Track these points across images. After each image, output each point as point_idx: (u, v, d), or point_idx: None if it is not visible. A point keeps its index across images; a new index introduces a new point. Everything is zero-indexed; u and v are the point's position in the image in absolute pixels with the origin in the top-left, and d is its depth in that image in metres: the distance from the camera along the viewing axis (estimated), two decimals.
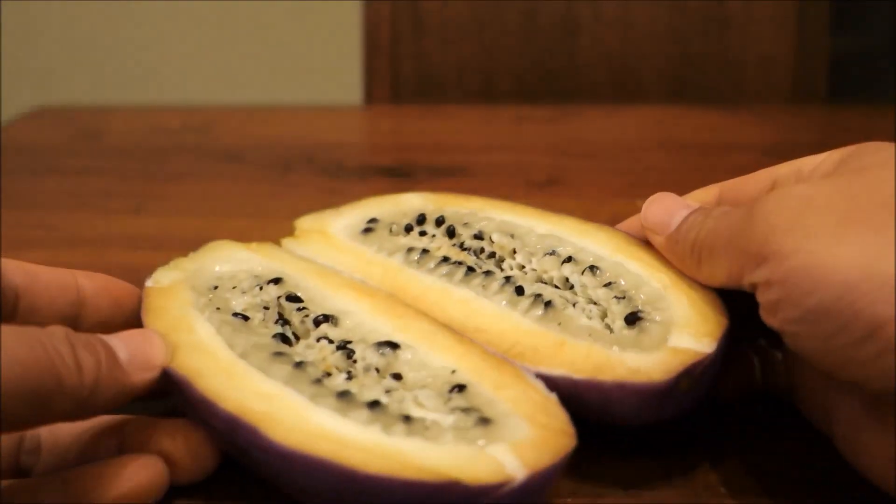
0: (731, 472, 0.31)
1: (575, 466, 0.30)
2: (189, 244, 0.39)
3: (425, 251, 0.38)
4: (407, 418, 0.27)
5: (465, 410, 0.28)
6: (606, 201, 0.62)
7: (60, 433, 0.30)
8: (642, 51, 1.01)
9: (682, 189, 0.36)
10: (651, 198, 0.35)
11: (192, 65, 1.57)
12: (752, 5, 0.98)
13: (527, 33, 1.01)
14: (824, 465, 0.31)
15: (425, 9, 1.01)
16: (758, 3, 0.98)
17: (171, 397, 0.32)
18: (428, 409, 0.28)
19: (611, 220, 0.39)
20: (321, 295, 0.35)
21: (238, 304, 0.34)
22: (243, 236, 0.39)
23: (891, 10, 1.33)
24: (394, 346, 0.31)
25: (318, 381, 0.29)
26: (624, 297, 0.34)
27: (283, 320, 0.33)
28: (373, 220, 0.41)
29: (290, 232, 0.41)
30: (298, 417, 0.27)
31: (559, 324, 0.33)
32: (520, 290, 0.35)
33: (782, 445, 0.33)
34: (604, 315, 0.33)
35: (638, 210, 0.36)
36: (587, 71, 1.01)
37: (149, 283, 0.35)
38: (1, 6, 1.55)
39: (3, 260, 0.32)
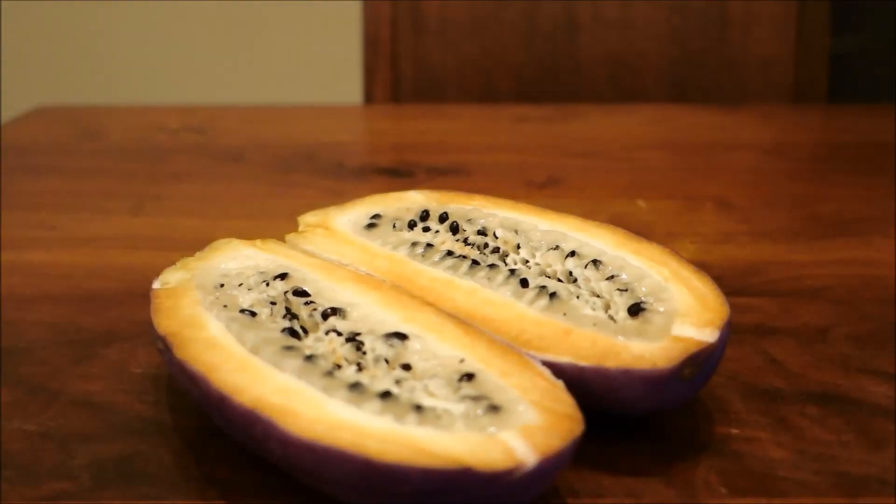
0: (731, 472, 0.31)
1: (575, 466, 0.30)
2: (189, 244, 0.39)
3: (429, 245, 0.39)
4: (418, 407, 0.27)
5: (475, 398, 0.28)
6: (606, 201, 0.62)
7: None
8: (642, 51, 1.01)
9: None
10: None
11: (192, 65, 1.57)
12: (752, 5, 0.99)
13: (527, 33, 1.01)
14: (825, 465, 0.31)
15: (425, 9, 1.01)
16: (758, 3, 0.99)
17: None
18: (438, 398, 0.28)
19: (611, 219, 0.39)
20: (328, 288, 0.35)
21: (245, 300, 0.34)
22: (243, 236, 0.39)
23: (891, 10, 1.33)
24: (402, 336, 0.31)
25: (330, 374, 0.29)
26: (626, 290, 0.34)
27: (290, 315, 0.33)
28: (376, 216, 0.42)
29: (291, 230, 0.42)
30: (314, 409, 0.27)
31: (564, 314, 0.33)
32: (524, 283, 0.35)
33: (782, 446, 0.33)
34: (607, 307, 0.34)
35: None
36: (587, 71, 1.01)
37: (156, 284, 0.35)
38: (1, 6, 1.55)
39: None
